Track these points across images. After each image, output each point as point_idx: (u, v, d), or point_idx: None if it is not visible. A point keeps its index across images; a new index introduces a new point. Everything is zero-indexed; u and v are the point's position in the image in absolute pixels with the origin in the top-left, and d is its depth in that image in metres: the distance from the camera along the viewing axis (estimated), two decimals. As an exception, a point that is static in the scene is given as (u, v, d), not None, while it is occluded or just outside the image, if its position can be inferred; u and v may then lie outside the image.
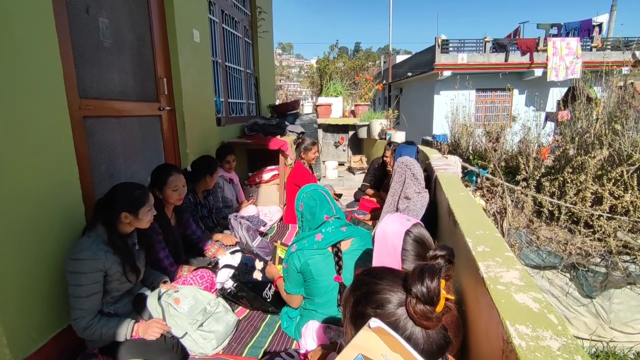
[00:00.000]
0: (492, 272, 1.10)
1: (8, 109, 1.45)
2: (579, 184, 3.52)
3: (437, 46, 12.93)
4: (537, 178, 3.88)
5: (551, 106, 10.26)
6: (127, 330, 1.57)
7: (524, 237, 3.54)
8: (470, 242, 1.32)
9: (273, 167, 4.13)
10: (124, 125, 2.43)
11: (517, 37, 13.98)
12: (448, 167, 2.87)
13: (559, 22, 13.86)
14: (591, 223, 3.42)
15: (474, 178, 4.26)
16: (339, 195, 4.44)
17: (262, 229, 3.24)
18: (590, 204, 3.45)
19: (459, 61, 13.00)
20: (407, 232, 1.16)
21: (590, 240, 3.36)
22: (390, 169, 3.43)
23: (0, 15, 1.42)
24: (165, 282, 1.93)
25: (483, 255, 1.21)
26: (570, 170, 3.64)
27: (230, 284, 2.09)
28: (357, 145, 7.46)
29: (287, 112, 5.41)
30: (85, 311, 1.51)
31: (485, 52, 13.18)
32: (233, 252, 2.36)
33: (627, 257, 3.22)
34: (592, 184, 3.43)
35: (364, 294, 0.76)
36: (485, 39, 13.17)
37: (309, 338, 1.64)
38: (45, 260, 1.62)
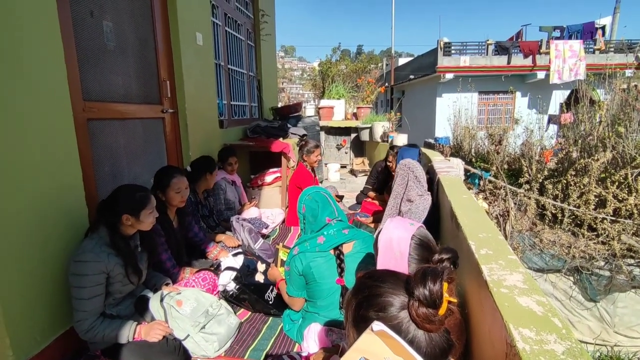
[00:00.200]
0: (495, 275, 1.09)
1: (12, 111, 1.46)
2: (582, 187, 3.50)
3: (439, 49, 12.93)
4: (540, 181, 3.86)
5: (554, 109, 10.23)
6: (129, 332, 1.57)
7: (527, 240, 3.52)
8: (473, 244, 1.32)
9: (275, 169, 4.14)
10: (127, 128, 2.44)
11: (519, 39, 13.97)
12: (450, 170, 2.86)
13: (561, 24, 13.86)
14: (595, 226, 3.40)
15: (477, 181, 4.25)
16: (341, 197, 4.44)
17: (264, 231, 3.24)
18: (593, 206, 3.43)
19: (461, 64, 13.00)
20: (412, 237, 1.16)
21: (594, 243, 3.34)
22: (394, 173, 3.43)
23: (5, 18, 1.43)
24: (167, 284, 1.93)
25: (486, 258, 1.21)
26: (573, 172, 3.62)
27: (232, 286, 2.09)
28: (359, 148, 7.47)
29: (289, 114, 5.42)
30: (88, 313, 1.51)
31: (487, 54, 13.18)
32: (235, 255, 2.37)
33: (632, 261, 3.20)
34: (595, 187, 3.41)
35: (366, 297, 0.76)
36: (488, 42, 13.17)
37: (311, 341, 1.63)
38: (48, 262, 1.63)
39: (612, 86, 4.40)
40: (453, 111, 7.06)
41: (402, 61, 20.72)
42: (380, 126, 6.15)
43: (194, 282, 2.05)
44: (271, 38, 5.91)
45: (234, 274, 2.13)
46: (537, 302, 0.95)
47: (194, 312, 1.76)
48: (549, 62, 12.33)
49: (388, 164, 3.87)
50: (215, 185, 3.06)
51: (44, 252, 1.61)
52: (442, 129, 10.96)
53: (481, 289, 1.10)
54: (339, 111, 7.60)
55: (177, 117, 3.00)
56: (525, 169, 4.01)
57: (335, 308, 1.70)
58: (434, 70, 13.12)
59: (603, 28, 13.44)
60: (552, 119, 7.48)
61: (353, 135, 7.36)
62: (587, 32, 13.44)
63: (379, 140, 6.15)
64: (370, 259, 1.62)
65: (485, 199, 4.02)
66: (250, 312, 2.14)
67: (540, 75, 12.70)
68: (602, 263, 3.26)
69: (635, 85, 4.41)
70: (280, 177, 4.03)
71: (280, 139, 4.19)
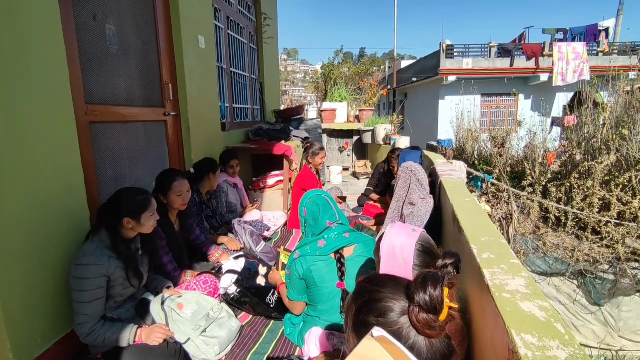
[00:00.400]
0: (497, 280, 1.08)
1: (15, 114, 1.46)
2: (586, 190, 3.48)
3: (442, 51, 12.93)
4: (544, 184, 3.85)
5: (557, 111, 10.19)
6: (130, 335, 1.57)
7: (530, 244, 3.50)
8: (475, 249, 1.31)
9: (277, 172, 4.14)
10: (130, 131, 2.45)
11: (522, 42, 13.95)
12: (453, 173, 2.85)
13: (564, 27, 13.81)
14: (599, 229, 3.38)
15: (480, 183, 4.24)
16: (344, 198, 4.42)
17: (266, 234, 3.23)
18: (597, 210, 3.41)
19: (464, 66, 12.99)
20: (415, 244, 1.14)
21: (598, 246, 3.32)
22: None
23: (8, 22, 1.44)
24: (168, 287, 1.93)
25: (488, 262, 1.20)
26: (577, 175, 3.60)
27: (233, 290, 2.08)
28: (361, 151, 7.46)
29: (291, 117, 5.43)
30: (89, 316, 1.51)
31: (490, 57, 13.16)
32: (237, 258, 2.36)
33: (636, 264, 3.17)
34: (599, 190, 3.39)
35: (366, 302, 0.75)
36: (491, 44, 13.15)
37: (312, 345, 1.62)
38: (50, 264, 1.63)
39: (616, 88, 4.39)
40: (456, 114, 7.05)
41: (404, 64, 20.75)
42: (383, 129, 6.15)
43: (195, 285, 2.05)
44: (273, 41, 5.93)
45: (235, 277, 2.13)
46: (539, 307, 0.94)
47: (195, 316, 1.75)
48: (552, 65, 12.29)
49: (390, 167, 3.88)
50: (217, 188, 3.07)
51: (45, 254, 1.61)
52: (445, 132, 10.94)
53: (483, 293, 1.09)
54: (341, 114, 7.60)
55: (180, 120, 3.01)
56: (529, 171, 4.00)
57: (336, 312, 1.69)
58: (437, 73, 13.12)
59: (606, 30, 13.40)
60: (555, 122, 7.46)
61: (355, 138, 7.35)
62: (590, 35, 13.40)
63: (381, 142, 6.14)
64: (371, 263, 1.61)
65: (488, 202, 4.00)
66: (251, 316, 2.13)
67: (544, 77, 12.67)
68: (607, 266, 3.23)
69: (639, 88, 4.39)
70: (283, 179, 4.03)
71: (283, 142, 4.19)
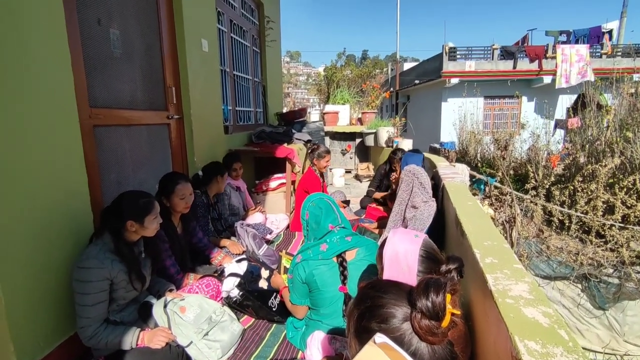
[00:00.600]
0: (500, 285, 1.07)
1: (19, 117, 1.48)
2: (590, 193, 3.46)
3: (444, 53, 12.92)
4: (547, 186, 3.83)
5: (560, 113, 10.14)
6: (132, 338, 1.57)
7: (533, 247, 3.48)
8: (478, 253, 1.30)
9: (280, 175, 4.14)
10: (133, 134, 2.46)
11: (525, 44, 13.92)
12: (455, 176, 2.84)
13: (567, 29, 13.77)
14: (603, 233, 3.36)
15: (482, 186, 4.22)
16: (347, 202, 4.42)
17: (268, 236, 3.24)
18: (601, 213, 3.39)
19: (466, 68, 12.97)
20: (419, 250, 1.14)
21: (602, 250, 3.30)
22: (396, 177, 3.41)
23: (14, 26, 1.46)
24: (171, 290, 1.93)
25: (491, 267, 1.19)
26: (580, 178, 3.58)
27: (236, 293, 2.08)
28: (364, 153, 7.46)
29: (294, 120, 5.44)
30: (91, 319, 1.51)
31: (493, 59, 13.13)
32: (239, 261, 2.36)
33: (641, 268, 3.15)
34: (603, 193, 3.37)
35: (368, 308, 0.75)
36: (493, 47, 13.13)
37: (314, 349, 1.62)
38: (53, 267, 1.64)
39: (620, 90, 4.36)
40: (458, 116, 7.03)
41: (407, 66, 20.76)
42: (385, 131, 6.14)
43: (197, 288, 2.05)
44: (276, 44, 5.95)
45: (237, 280, 2.13)
46: (543, 313, 0.93)
47: (197, 319, 1.75)
48: (556, 67, 12.25)
49: (392, 167, 3.88)
50: (220, 191, 3.08)
51: (48, 257, 1.62)
52: (448, 134, 10.93)
53: (486, 299, 1.08)
54: (343, 116, 7.61)
55: (183, 123, 3.02)
56: (532, 174, 3.98)
57: (338, 316, 1.69)
58: (439, 75, 13.10)
59: (610, 32, 13.35)
60: (558, 124, 7.43)
61: (358, 141, 7.35)
62: (593, 37, 13.36)
63: (384, 145, 6.13)
64: (374, 268, 1.60)
65: (491, 205, 3.98)
66: (253, 319, 2.13)
67: (547, 79, 12.62)
68: (611, 270, 3.21)
69: (644, 90, 4.36)
70: (285, 182, 4.03)
71: (285, 145, 4.19)
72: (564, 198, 3.68)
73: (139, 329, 1.61)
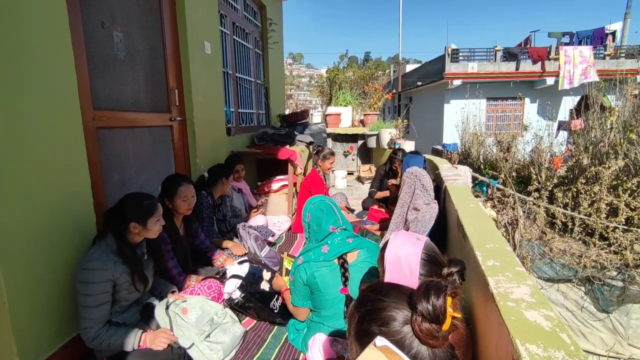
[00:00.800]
0: (502, 288, 1.07)
1: (23, 120, 1.49)
2: (593, 195, 3.44)
3: (447, 55, 12.91)
4: (550, 188, 3.81)
5: (563, 115, 10.11)
6: (134, 340, 1.57)
7: (536, 249, 3.47)
8: (480, 256, 1.30)
9: (282, 176, 4.15)
10: (136, 136, 2.48)
11: (528, 45, 13.88)
12: (458, 178, 2.84)
13: (570, 30, 13.73)
14: (606, 235, 3.34)
15: (485, 188, 4.21)
16: (352, 210, 4.39)
17: (270, 239, 3.24)
18: (605, 215, 3.37)
19: (469, 70, 12.95)
20: (421, 253, 1.14)
21: (606, 252, 3.28)
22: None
23: (18, 29, 1.47)
24: (173, 292, 1.94)
25: (493, 269, 1.19)
26: (584, 180, 3.57)
27: (237, 295, 2.09)
28: (366, 155, 7.45)
29: (296, 121, 5.44)
30: (94, 321, 1.52)
31: (495, 60, 13.11)
32: (241, 262, 2.37)
33: (645, 271, 3.13)
34: (607, 195, 3.36)
35: (369, 311, 0.75)
36: (496, 48, 13.10)
37: (316, 351, 1.62)
38: (55, 269, 1.65)
39: (624, 92, 4.34)
40: (461, 118, 7.02)
41: (409, 68, 20.75)
42: (387, 133, 6.14)
43: (199, 289, 2.05)
44: (279, 46, 5.97)
45: (239, 282, 2.13)
46: (545, 316, 0.93)
47: (199, 321, 1.75)
48: (559, 68, 12.21)
49: (392, 167, 3.90)
50: (222, 193, 3.09)
51: (51, 259, 1.63)
52: (450, 136, 10.91)
53: (488, 302, 1.08)
54: (346, 118, 7.61)
55: (185, 125, 3.04)
56: (535, 176, 3.96)
57: (340, 318, 1.69)
58: (442, 77, 13.09)
59: (613, 34, 13.29)
60: (562, 126, 7.40)
61: (360, 142, 7.35)
62: (597, 38, 13.31)
63: (386, 147, 6.13)
64: (375, 270, 1.60)
65: (494, 207, 3.97)
66: (255, 321, 2.13)
67: (550, 81, 12.58)
68: (615, 273, 3.19)
69: (647, 92, 4.35)
70: (287, 184, 4.04)
71: (287, 146, 4.20)
72: (567, 200, 3.66)
73: (141, 331, 1.62)
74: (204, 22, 3.27)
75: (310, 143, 4.79)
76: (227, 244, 2.72)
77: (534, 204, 3.73)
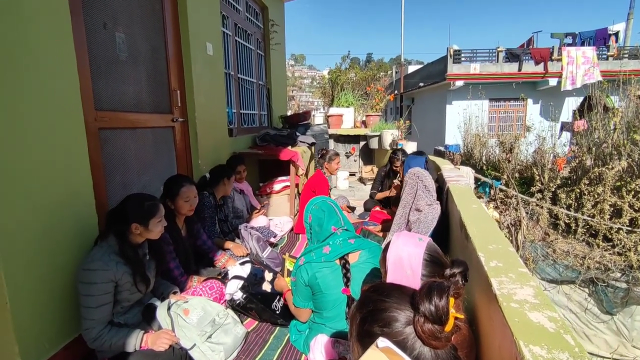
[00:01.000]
0: (505, 289, 1.06)
1: (25, 120, 1.49)
2: (596, 196, 3.42)
3: (449, 56, 12.89)
4: (553, 189, 3.79)
5: (566, 116, 10.07)
6: (136, 341, 1.57)
7: (539, 250, 3.45)
8: (483, 257, 1.29)
9: (284, 177, 4.15)
10: (138, 137, 2.48)
11: (530, 46, 13.84)
12: (460, 179, 2.83)
13: (573, 31, 13.68)
14: (610, 236, 3.32)
15: (487, 189, 4.19)
16: (353, 209, 4.40)
17: (272, 239, 3.24)
18: (609, 216, 3.35)
19: (471, 71, 12.92)
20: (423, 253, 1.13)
21: (610, 254, 3.26)
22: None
23: (20, 30, 1.47)
24: (175, 293, 1.94)
25: (496, 270, 1.18)
26: (587, 181, 3.55)
27: (239, 295, 2.08)
28: (368, 156, 7.45)
29: (298, 122, 5.45)
30: (96, 321, 1.52)
31: (498, 61, 13.08)
32: (243, 263, 2.36)
33: (649, 273, 3.10)
34: (610, 196, 3.34)
35: (371, 312, 0.75)
36: (498, 49, 13.08)
37: (318, 352, 1.61)
38: (57, 269, 1.65)
39: (627, 93, 4.32)
40: (463, 118, 7.01)
41: (411, 69, 20.71)
42: (389, 134, 6.14)
43: (201, 290, 2.05)
44: (281, 47, 5.97)
45: (241, 282, 2.13)
46: (548, 317, 0.92)
47: (200, 321, 1.75)
48: (561, 69, 12.17)
49: (393, 167, 3.90)
50: (224, 193, 3.09)
51: (53, 259, 1.63)
52: (452, 137, 10.88)
53: (491, 303, 1.07)
54: (348, 119, 7.61)
55: (187, 126, 3.04)
56: (538, 177, 3.95)
57: (342, 319, 1.68)
58: (444, 78, 13.07)
59: (616, 34, 13.24)
60: (564, 126, 7.37)
61: (362, 143, 7.35)
62: (600, 39, 13.26)
63: (388, 148, 6.12)
64: (377, 271, 1.60)
65: (496, 208, 3.96)
66: (257, 322, 2.12)
67: (552, 82, 12.54)
68: (619, 274, 3.16)
69: (651, 92, 4.32)
70: (289, 185, 4.04)
71: (289, 147, 4.20)
72: (570, 201, 3.64)
73: (142, 331, 1.61)
74: (206, 23, 3.28)
75: (312, 144, 4.79)
76: (228, 244, 2.72)
77: (537, 205, 3.72)
